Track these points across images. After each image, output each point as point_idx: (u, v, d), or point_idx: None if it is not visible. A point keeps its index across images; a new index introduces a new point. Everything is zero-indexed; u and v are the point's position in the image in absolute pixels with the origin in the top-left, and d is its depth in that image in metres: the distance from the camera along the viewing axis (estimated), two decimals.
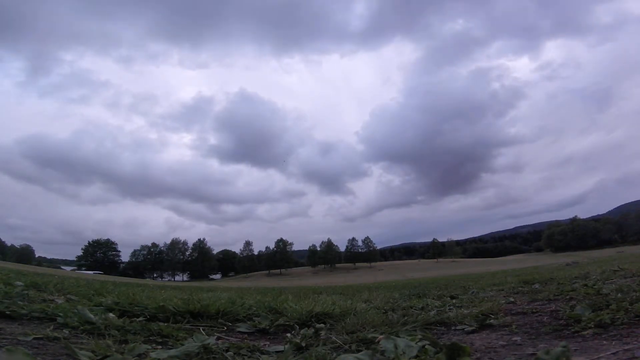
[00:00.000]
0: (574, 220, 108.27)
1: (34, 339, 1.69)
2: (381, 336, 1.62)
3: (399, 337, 1.60)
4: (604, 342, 1.73)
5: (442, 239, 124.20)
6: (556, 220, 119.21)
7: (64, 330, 1.89)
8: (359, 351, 1.57)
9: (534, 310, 2.83)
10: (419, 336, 1.75)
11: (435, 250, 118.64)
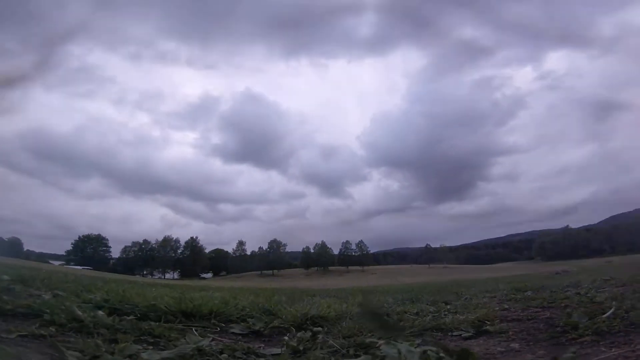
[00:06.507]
0: (566, 229, 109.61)
1: (19, 336, 1.62)
2: (381, 341, 1.59)
3: (397, 342, 1.57)
4: (602, 349, 1.74)
5: (435, 244, 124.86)
6: (548, 229, 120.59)
7: (50, 328, 1.82)
8: (357, 356, 1.54)
9: (529, 317, 2.83)
10: (417, 342, 1.73)
11: (427, 255, 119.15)
